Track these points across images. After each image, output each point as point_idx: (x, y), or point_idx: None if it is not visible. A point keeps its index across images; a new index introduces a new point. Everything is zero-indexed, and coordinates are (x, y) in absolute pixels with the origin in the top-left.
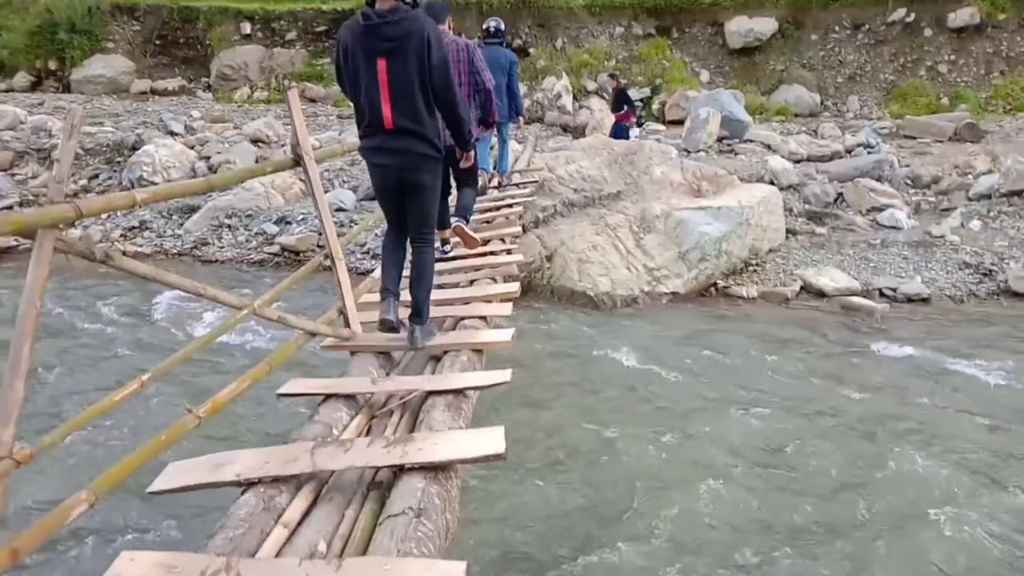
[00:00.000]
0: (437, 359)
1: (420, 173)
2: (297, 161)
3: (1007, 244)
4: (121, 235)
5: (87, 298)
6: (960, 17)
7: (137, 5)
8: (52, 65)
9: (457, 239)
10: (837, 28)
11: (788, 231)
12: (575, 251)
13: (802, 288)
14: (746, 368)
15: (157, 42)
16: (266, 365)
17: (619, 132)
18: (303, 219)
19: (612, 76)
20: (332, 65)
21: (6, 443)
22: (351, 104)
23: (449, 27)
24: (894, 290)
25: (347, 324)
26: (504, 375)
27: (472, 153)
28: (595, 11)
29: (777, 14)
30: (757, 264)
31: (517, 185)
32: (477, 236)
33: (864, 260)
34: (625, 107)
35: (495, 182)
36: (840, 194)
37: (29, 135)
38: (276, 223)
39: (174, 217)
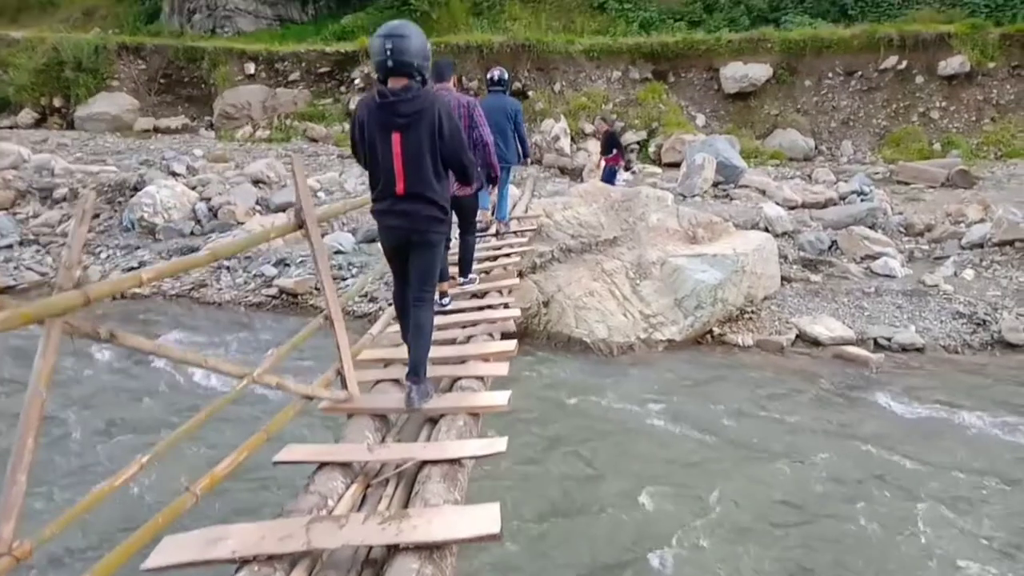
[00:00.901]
0: (434, 422)
1: (427, 234)
2: (300, 225)
3: (1000, 294)
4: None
5: (80, 355)
6: (951, 65)
7: (143, 45)
8: (57, 102)
9: (456, 291)
10: (830, 74)
11: (783, 278)
12: (572, 297)
13: (797, 337)
14: (742, 420)
15: (162, 81)
16: (263, 434)
17: (608, 175)
18: (302, 262)
19: (603, 119)
20: (333, 105)
21: (6, 539)
22: (356, 157)
23: (453, 84)
24: (889, 339)
25: (344, 386)
26: (500, 444)
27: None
28: (593, 56)
29: (771, 60)
30: (752, 312)
31: (516, 233)
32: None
33: (859, 308)
34: (614, 150)
35: (494, 229)
36: (834, 241)
37: (32, 174)
38: (275, 265)
39: (173, 258)
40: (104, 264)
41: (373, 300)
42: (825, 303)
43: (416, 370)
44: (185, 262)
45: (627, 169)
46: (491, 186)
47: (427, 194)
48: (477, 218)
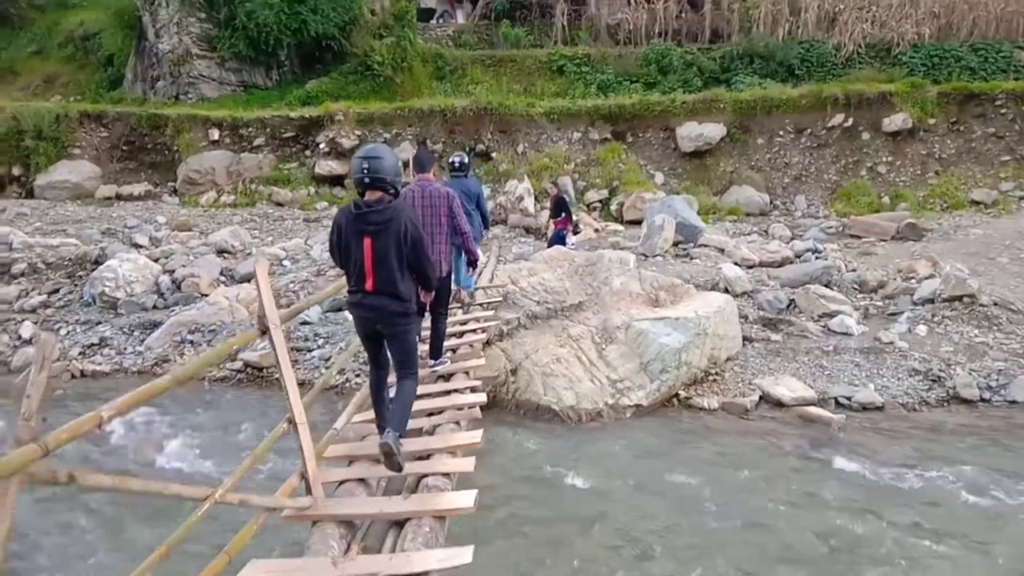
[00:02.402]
0: (400, 526)
1: (394, 326)
2: (263, 331)
3: (952, 349)
4: (80, 353)
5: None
6: (894, 122)
7: (105, 113)
8: (16, 171)
9: (425, 372)
10: (781, 132)
11: (745, 338)
12: (539, 364)
13: (761, 398)
14: (709, 489)
15: (124, 148)
16: (225, 556)
17: (557, 238)
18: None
19: (553, 183)
20: (299, 169)
21: None
22: (333, 260)
23: (433, 175)
24: (849, 399)
25: (308, 491)
26: (466, 555)
27: (432, 294)
28: (554, 118)
29: (724, 119)
30: (716, 373)
31: (482, 305)
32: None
33: (819, 367)
34: (563, 214)
35: (460, 296)
36: (792, 300)
37: None
38: None
39: (135, 333)
40: (64, 341)
41: (340, 372)
42: (786, 362)
43: (398, 427)
44: (147, 391)
45: (575, 232)
46: (471, 268)
47: (393, 291)
48: (464, 299)
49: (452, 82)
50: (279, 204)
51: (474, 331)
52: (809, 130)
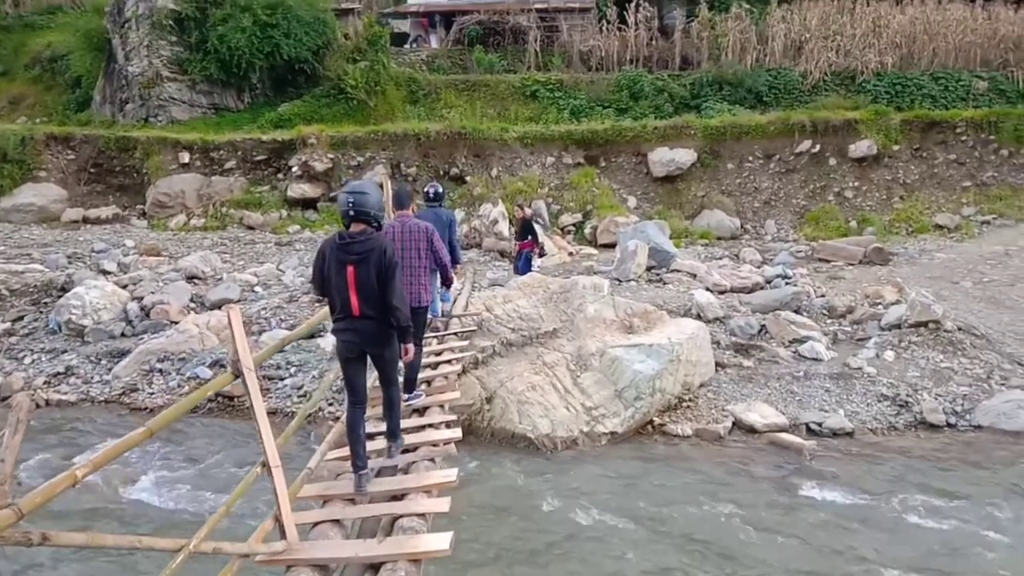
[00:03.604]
0: (375, 569)
1: (378, 346)
2: (237, 375)
3: (919, 375)
4: (45, 382)
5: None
6: (859, 148)
7: (73, 135)
8: None
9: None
10: (751, 158)
11: (717, 364)
12: (515, 392)
13: (734, 424)
14: (685, 518)
15: (92, 170)
16: None
17: (523, 260)
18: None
19: (519, 207)
20: (271, 192)
21: None
22: (316, 286)
23: (412, 211)
24: (820, 424)
25: (283, 534)
26: None
27: (411, 347)
28: (527, 142)
29: (695, 145)
30: (690, 400)
31: (456, 334)
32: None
33: (790, 393)
34: (529, 237)
35: (434, 324)
36: (763, 326)
37: None
38: (210, 367)
39: (102, 362)
40: (28, 370)
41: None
42: (758, 388)
43: (393, 433)
44: (122, 444)
45: (540, 255)
46: (446, 289)
47: (377, 315)
48: (438, 326)
49: (426, 106)
50: (250, 228)
51: (448, 362)
52: (778, 156)
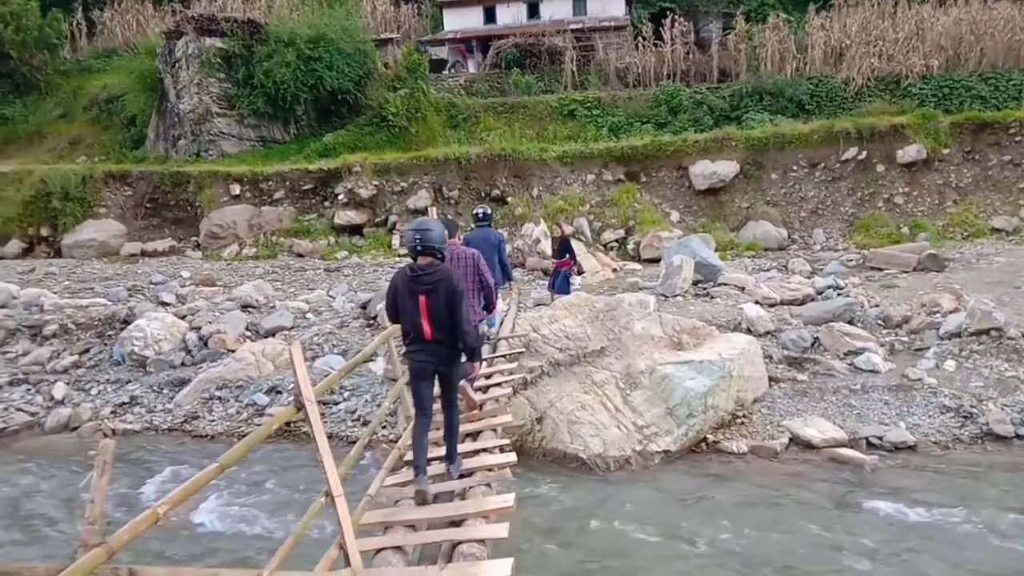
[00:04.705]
0: None
1: (448, 365)
2: (299, 408)
3: (983, 384)
4: (111, 412)
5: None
6: (908, 153)
7: (129, 172)
8: (44, 231)
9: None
10: (795, 167)
11: (770, 379)
12: (565, 412)
13: (791, 440)
14: (743, 538)
15: (148, 205)
16: None
17: (562, 280)
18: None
19: (558, 225)
20: (318, 220)
21: None
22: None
23: (458, 239)
24: (880, 438)
25: (347, 562)
26: None
27: (478, 364)
28: (567, 161)
29: (737, 156)
30: (744, 416)
31: (505, 356)
32: (475, 398)
33: (847, 407)
34: (567, 255)
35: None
36: (816, 339)
37: (21, 311)
38: (267, 393)
39: (164, 391)
40: (95, 400)
41: (366, 423)
42: (814, 403)
43: (451, 456)
44: (197, 481)
45: (579, 273)
46: (488, 314)
47: (447, 340)
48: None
49: (465, 130)
50: (300, 255)
51: (499, 384)
52: (823, 164)
